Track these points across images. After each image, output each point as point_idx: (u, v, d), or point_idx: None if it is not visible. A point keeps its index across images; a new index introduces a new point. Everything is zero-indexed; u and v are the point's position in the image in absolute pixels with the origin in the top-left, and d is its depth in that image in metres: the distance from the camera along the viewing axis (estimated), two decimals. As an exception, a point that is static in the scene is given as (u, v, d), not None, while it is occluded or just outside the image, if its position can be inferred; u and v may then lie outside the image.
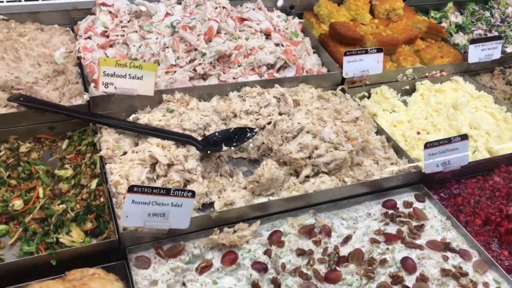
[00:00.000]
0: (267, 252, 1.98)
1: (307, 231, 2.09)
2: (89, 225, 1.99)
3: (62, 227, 1.95)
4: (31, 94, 2.37)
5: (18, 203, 2.03)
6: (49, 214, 1.98)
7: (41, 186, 2.13)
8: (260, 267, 1.92)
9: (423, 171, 2.37)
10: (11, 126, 2.29)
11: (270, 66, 2.83)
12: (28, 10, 2.81)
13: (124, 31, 2.75)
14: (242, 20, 2.95)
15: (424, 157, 2.33)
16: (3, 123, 2.27)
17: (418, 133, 2.74)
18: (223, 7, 2.87)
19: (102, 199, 2.09)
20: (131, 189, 1.79)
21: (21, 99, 2.28)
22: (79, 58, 2.61)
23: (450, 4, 3.89)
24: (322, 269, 1.97)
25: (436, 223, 2.22)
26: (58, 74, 2.53)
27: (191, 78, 2.64)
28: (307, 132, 2.34)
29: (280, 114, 2.57)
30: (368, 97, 3.03)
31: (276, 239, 2.04)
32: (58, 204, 2.04)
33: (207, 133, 2.37)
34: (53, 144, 2.37)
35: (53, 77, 2.51)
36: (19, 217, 1.99)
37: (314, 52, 3.10)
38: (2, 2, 2.74)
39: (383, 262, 2.00)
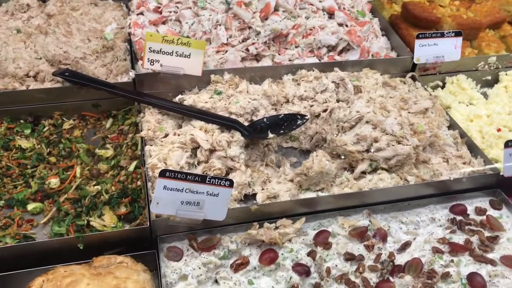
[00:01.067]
0: (311, 254, 1.76)
1: (359, 234, 1.84)
2: (123, 210, 1.88)
3: (94, 209, 1.85)
4: (78, 70, 2.29)
5: (54, 181, 1.96)
6: (82, 195, 1.89)
7: (80, 165, 2.05)
8: (302, 270, 1.71)
9: (501, 173, 2.03)
10: (56, 101, 2.24)
11: (331, 48, 2.57)
12: (83, -16, 2.74)
13: (177, 7, 2.61)
14: (304, -3, 2.71)
15: (504, 158, 2.00)
16: (48, 98, 2.22)
17: (499, 130, 2.38)
18: (283, -18, 2.65)
19: (139, 183, 1.97)
20: (162, 173, 1.64)
21: (66, 74, 2.21)
22: (129, 34, 2.51)
23: (547, -14, 3.40)
24: (373, 278, 1.72)
25: (515, 236, 1.90)
26: (107, 50, 2.44)
27: (243, 59, 2.45)
28: (367, 122, 2.08)
29: (338, 101, 2.32)
30: (442, 87, 2.69)
31: (322, 240, 1.81)
32: (94, 185, 1.94)
33: (254, 119, 2.17)
34: (97, 122, 2.30)
35: (101, 53, 2.43)
36: (54, 195, 1.92)
37: (383, 35, 2.80)
38: (58, -24, 2.68)
39: (446, 276, 1.72)
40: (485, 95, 2.70)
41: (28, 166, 2.02)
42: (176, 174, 1.65)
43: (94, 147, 2.15)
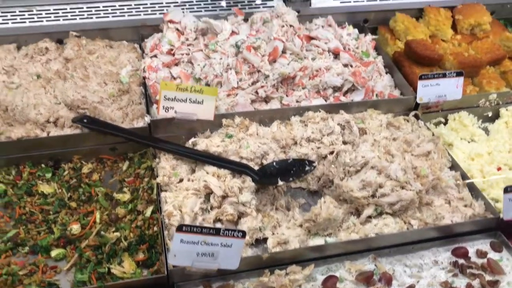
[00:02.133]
0: (320, 300, 1.87)
1: (365, 278, 1.94)
2: (141, 256, 1.98)
3: (114, 256, 1.96)
4: (96, 114, 2.41)
5: (75, 227, 2.06)
6: (103, 242, 1.99)
7: (99, 210, 2.15)
8: (311, 316, 1.81)
9: (501, 217, 2.12)
10: (75, 146, 2.34)
11: (336, 89, 2.67)
12: (99, 26, 2.86)
13: (189, 49, 2.72)
14: (310, 38, 2.81)
15: (504, 203, 2.09)
16: (68, 144, 2.33)
17: (499, 169, 2.47)
18: (290, 25, 2.75)
19: (155, 228, 2.08)
20: (179, 228, 1.74)
21: (85, 120, 2.32)
22: (144, 77, 2.62)
23: (547, 17, 3.49)
24: (379, 322, 1.82)
25: (514, 280, 1.99)
26: (123, 93, 2.55)
27: (252, 101, 2.55)
28: (372, 167, 2.18)
29: (344, 143, 2.42)
30: (445, 123, 2.79)
31: (330, 285, 1.91)
32: (113, 232, 2.05)
33: (264, 162, 2.28)
34: (114, 165, 2.40)
35: (117, 96, 2.53)
36: (76, 241, 2.03)
37: (387, 72, 2.90)
38: (75, 19, 2.80)
39: (449, 321, 1.82)
40: (486, 130, 2.79)
41: (51, 212, 2.13)
42: (192, 228, 1.75)
43: (112, 190, 2.26)
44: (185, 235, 1.75)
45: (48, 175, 2.30)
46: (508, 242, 2.12)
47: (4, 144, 2.26)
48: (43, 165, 2.33)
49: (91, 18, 2.85)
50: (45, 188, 2.22)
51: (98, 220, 2.11)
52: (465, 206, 2.22)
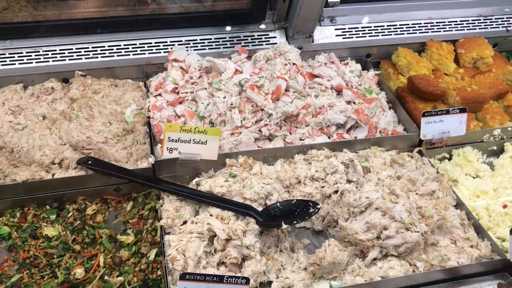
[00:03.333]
0: None
1: (371, 324, 1.92)
2: (144, 302, 1.98)
3: (118, 302, 1.95)
4: (100, 155, 2.42)
5: (79, 272, 2.06)
6: (106, 287, 1.98)
7: (103, 253, 2.15)
8: None
9: (508, 258, 2.10)
10: (80, 187, 2.35)
11: (340, 126, 2.68)
12: (104, 65, 2.90)
13: (193, 87, 2.75)
14: (313, 76, 2.84)
15: (510, 245, 2.07)
16: (73, 185, 2.34)
17: (505, 206, 2.45)
18: (293, 64, 2.78)
19: (159, 272, 2.07)
20: (183, 276, 1.74)
21: (89, 162, 2.34)
22: (148, 116, 2.64)
23: (549, 49, 3.50)
24: None
25: (523, 324, 1.96)
26: (127, 133, 2.57)
27: (256, 139, 2.57)
28: (376, 208, 2.17)
29: (348, 181, 2.42)
30: (449, 158, 2.79)
31: (335, 331, 1.89)
32: (117, 276, 2.04)
33: (268, 202, 2.28)
34: (119, 205, 2.41)
35: (122, 136, 2.55)
36: (80, 286, 2.02)
37: (390, 108, 2.91)
38: (81, 59, 2.85)
39: None
40: (491, 165, 2.78)
41: (55, 256, 2.13)
42: (196, 276, 1.75)
43: (115, 232, 2.26)
44: (189, 283, 1.75)
45: (53, 217, 2.31)
46: (516, 284, 2.10)
47: (9, 187, 2.28)
48: (47, 207, 2.34)
49: (97, 57, 2.90)
50: (49, 230, 2.23)
51: (102, 264, 2.11)
52: (471, 246, 2.19)
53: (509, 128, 2.80)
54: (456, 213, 2.34)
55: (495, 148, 2.83)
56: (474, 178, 2.68)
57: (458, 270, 2.09)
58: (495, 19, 3.46)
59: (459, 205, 2.40)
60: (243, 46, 3.03)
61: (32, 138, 2.43)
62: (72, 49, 2.87)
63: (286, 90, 2.68)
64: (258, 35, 3.10)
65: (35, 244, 2.18)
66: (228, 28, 3.06)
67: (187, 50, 2.96)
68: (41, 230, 2.23)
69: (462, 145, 2.78)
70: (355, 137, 2.65)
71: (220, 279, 1.77)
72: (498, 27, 3.45)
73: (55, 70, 2.85)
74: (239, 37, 3.08)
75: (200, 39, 3.03)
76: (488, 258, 2.14)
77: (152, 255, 2.14)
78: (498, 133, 2.79)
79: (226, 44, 3.05)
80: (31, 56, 2.82)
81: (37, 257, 2.13)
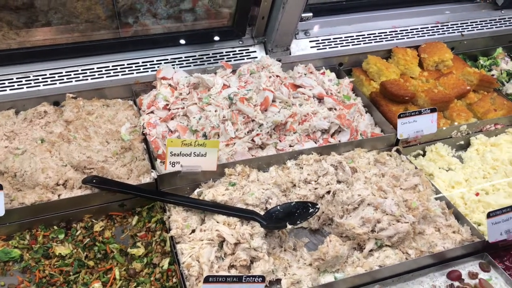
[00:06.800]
0: (336, 333, 2.02)
1: (374, 309, 2.12)
2: (164, 308, 2.09)
3: (140, 312, 2.06)
4: (103, 173, 2.51)
5: (97, 286, 2.15)
6: (127, 298, 2.09)
7: (117, 267, 2.25)
8: None
9: (486, 239, 2.36)
10: (85, 206, 2.44)
11: (324, 131, 2.89)
12: (93, 87, 2.99)
13: (184, 103, 2.88)
14: (295, 86, 3.04)
15: (488, 227, 2.33)
16: (79, 204, 2.42)
17: (477, 194, 2.73)
18: (277, 76, 2.97)
19: (174, 280, 2.19)
20: (206, 279, 1.88)
21: (94, 181, 2.43)
22: (143, 133, 2.76)
23: (500, 50, 3.87)
24: None
25: (505, 297, 2.21)
26: (126, 150, 2.68)
27: (249, 148, 2.73)
28: (368, 204, 2.38)
29: (338, 182, 2.62)
30: (423, 155, 3.05)
31: (344, 318, 2.08)
32: (135, 287, 2.15)
33: (268, 206, 2.44)
34: (124, 220, 2.50)
35: (121, 154, 2.65)
36: (99, 300, 2.11)
37: (366, 112, 3.15)
38: (71, 82, 2.93)
39: None
40: (460, 158, 3.07)
41: (71, 273, 2.20)
42: (218, 278, 1.89)
43: (125, 246, 2.36)
44: (212, 285, 1.89)
45: (61, 236, 2.37)
46: (494, 262, 2.35)
47: (17, 210, 2.33)
48: (55, 227, 2.40)
49: (86, 79, 2.98)
50: (61, 249, 2.30)
51: (117, 277, 2.20)
52: (454, 232, 2.44)
53: (474, 123, 3.10)
54: (437, 203, 2.58)
55: (462, 142, 3.12)
56: (447, 171, 2.95)
57: (445, 254, 2.32)
58: (451, 25, 3.79)
59: (438, 196, 2.65)
60: (226, 61, 3.19)
61: (34, 161, 2.49)
62: (61, 72, 2.94)
63: (273, 100, 2.86)
64: (239, 50, 3.28)
65: (49, 263, 2.25)
66: (211, 45, 3.22)
67: (174, 68, 3.09)
68: (53, 249, 2.30)
69: (433, 142, 3.05)
70: (339, 141, 2.87)
71: (239, 279, 1.93)
72: (454, 32, 3.78)
73: (45, 94, 2.91)
74: (222, 52, 3.24)
75: (185, 57, 3.17)
76: (469, 241, 2.39)
77: (165, 264, 2.25)
78: (464, 128, 3.08)
79: (210, 60, 3.20)
80: (21, 81, 2.87)
81: (53, 276, 2.20)
